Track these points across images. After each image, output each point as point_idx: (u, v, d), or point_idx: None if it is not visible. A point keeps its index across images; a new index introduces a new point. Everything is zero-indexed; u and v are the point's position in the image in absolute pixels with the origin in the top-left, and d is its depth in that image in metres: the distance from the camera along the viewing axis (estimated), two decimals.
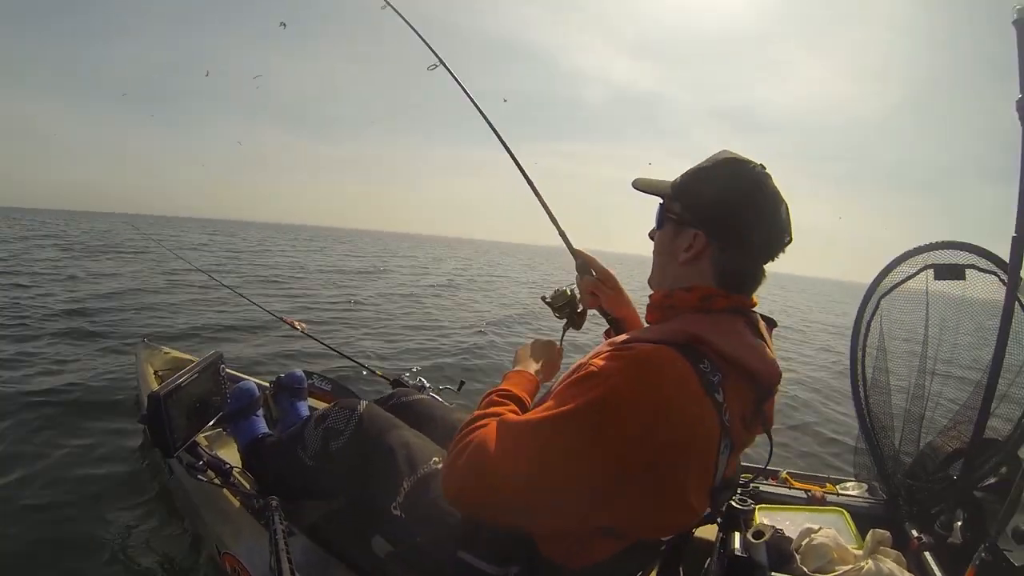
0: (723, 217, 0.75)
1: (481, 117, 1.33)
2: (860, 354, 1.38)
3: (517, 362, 1.00)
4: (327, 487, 1.23)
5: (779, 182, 0.74)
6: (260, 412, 1.55)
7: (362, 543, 1.10)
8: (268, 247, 21.37)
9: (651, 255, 0.84)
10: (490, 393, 0.87)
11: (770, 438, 0.79)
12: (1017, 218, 0.99)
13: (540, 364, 0.98)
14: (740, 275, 0.76)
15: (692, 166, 0.80)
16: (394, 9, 1.60)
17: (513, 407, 0.83)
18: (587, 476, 0.65)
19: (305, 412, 1.65)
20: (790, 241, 0.75)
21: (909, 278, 1.27)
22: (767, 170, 0.75)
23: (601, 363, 0.67)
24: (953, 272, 1.18)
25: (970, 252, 1.16)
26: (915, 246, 1.25)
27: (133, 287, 7.15)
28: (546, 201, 1.19)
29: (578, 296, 1.10)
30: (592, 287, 1.07)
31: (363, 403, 1.21)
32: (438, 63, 1.47)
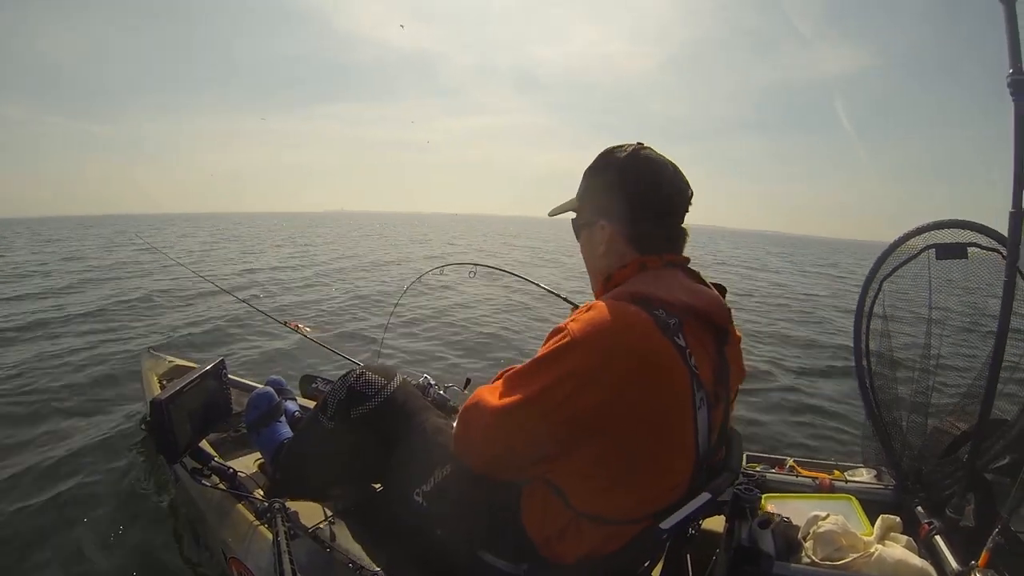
0: (611, 200, 0.84)
1: None
2: (864, 338, 1.36)
3: None
4: (343, 457, 1.13)
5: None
6: (283, 418, 1.49)
7: (376, 537, 1.09)
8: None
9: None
10: None
11: (735, 391, 0.87)
12: (1014, 193, 0.98)
13: None
14: (653, 237, 0.83)
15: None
16: None
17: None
18: (557, 431, 0.73)
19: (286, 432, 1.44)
20: (691, 194, 0.85)
21: (911, 259, 1.25)
22: (645, 146, 0.85)
23: (567, 326, 0.74)
24: (955, 251, 1.16)
25: (972, 230, 1.14)
26: (915, 226, 1.23)
27: None
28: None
29: None
30: None
31: (399, 375, 1.14)
32: None
